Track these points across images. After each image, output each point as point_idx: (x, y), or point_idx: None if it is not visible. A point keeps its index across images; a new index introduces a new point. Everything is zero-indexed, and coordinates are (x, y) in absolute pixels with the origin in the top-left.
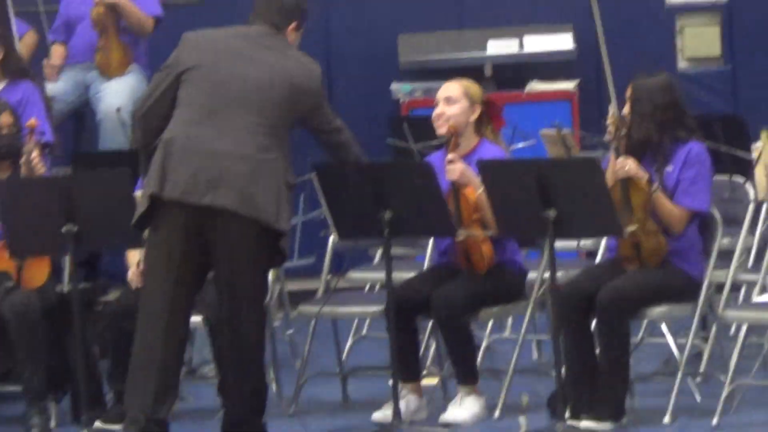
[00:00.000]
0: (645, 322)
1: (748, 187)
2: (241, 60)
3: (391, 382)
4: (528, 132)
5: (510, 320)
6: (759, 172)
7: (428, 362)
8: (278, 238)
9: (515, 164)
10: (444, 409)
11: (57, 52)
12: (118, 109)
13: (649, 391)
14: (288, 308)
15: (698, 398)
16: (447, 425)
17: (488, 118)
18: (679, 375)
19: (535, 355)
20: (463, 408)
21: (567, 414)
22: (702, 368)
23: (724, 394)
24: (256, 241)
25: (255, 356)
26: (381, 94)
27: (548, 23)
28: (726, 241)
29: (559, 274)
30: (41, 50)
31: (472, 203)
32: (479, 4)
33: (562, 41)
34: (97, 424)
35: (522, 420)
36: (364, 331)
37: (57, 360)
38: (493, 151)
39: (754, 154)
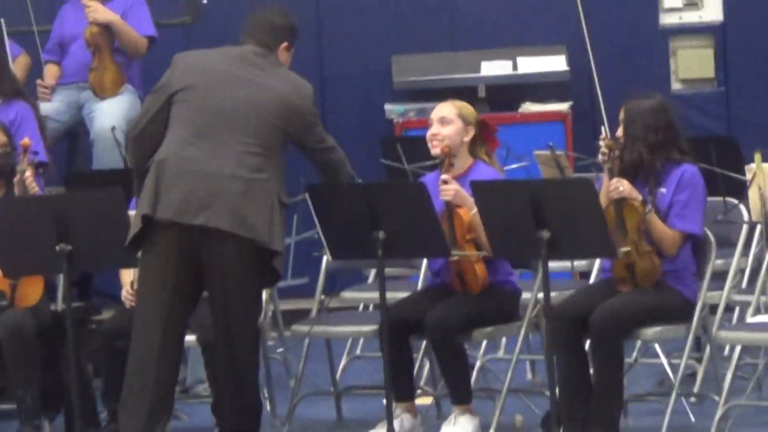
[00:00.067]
0: (639, 342)
1: (742, 208)
2: (233, 80)
3: (385, 401)
4: (521, 153)
5: (504, 340)
6: (752, 193)
7: (422, 382)
8: (272, 257)
9: (509, 185)
10: (438, 428)
11: (50, 71)
12: (113, 128)
13: (643, 411)
14: (282, 328)
15: (692, 419)
16: None
17: (482, 139)
18: (673, 395)
19: (529, 375)
20: (457, 427)
21: None
22: (696, 389)
23: (718, 414)
24: (249, 260)
25: (249, 375)
26: (374, 115)
27: (542, 44)
28: (720, 262)
29: (553, 294)
30: (35, 70)
31: (465, 224)
32: (473, 26)
33: (555, 62)
34: None
35: None
36: (358, 351)
37: (51, 378)
38: (487, 172)
39: (748, 176)
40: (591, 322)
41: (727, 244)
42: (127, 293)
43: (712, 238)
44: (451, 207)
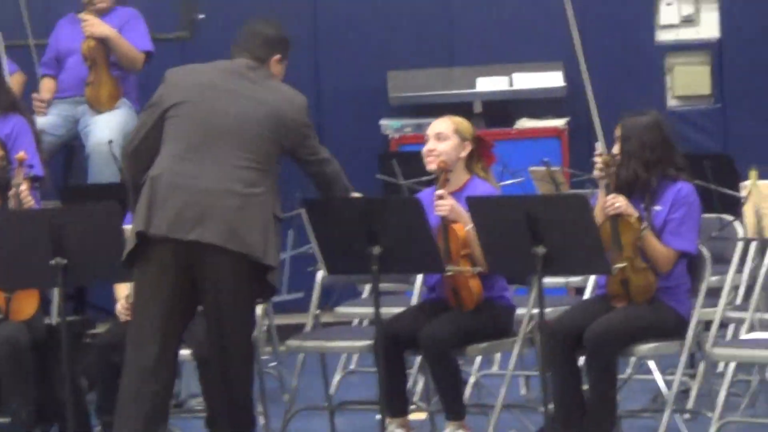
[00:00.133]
0: (633, 358)
1: (737, 225)
2: (225, 95)
3: (379, 416)
4: (517, 169)
5: (498, 356)
6: (748, 210)
7: (416, 397)
8: (266, 272)
9: (504, 201)
10: None
11: (47, 85)
12: (110, 142)
13: (637, 428)
14: (276, 342)
15: None
16: None
17: (479, 154)
18: (667, 412)
19: (523, 390)
20: None
21: None
22: (690, 405)
23: (712, 431)
24: (244, 275)
25: (243, 390)
26: (370, 130)
27: (538, 61)
28: (714, 278)
29: (548, 310)
30: (31, 84)
31: (461, 239)
32: (469, 41)
33: (551, 79)
34: None
35: None
36: (353, 366)
37: (45, 392)
38: (483, 188)
39: (743, 193)
40: (585, 338)
41: (721, 261)
42: (122, 307)
43: (707, 254)
44: (446, 222)
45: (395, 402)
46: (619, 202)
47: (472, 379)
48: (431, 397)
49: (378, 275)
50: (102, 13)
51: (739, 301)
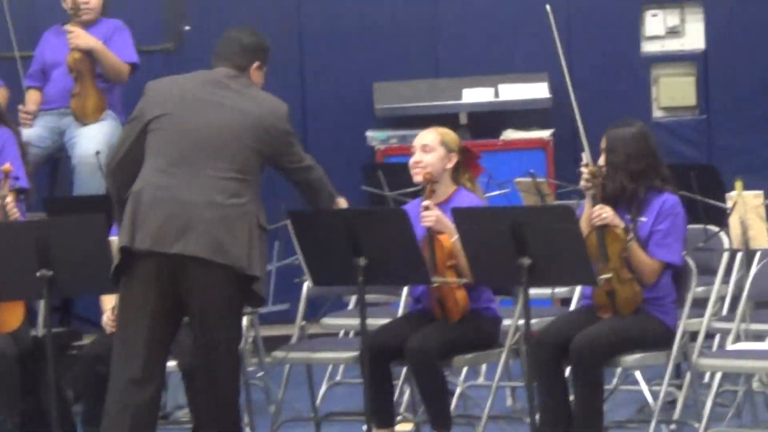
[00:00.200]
0: (619, 369)
1: (723, 236)
2: (206, 106)
3: (365, 427)
4: (503, 180)
5: (484, 367)
6: (733, 221)
7: (402, 408)
8: (252, 282)
9: (490, 212)
10: None
11: (32, 97)
12: (98, 153)
13: None
14: (262, 353)
15: None
16: None
17: (465, 165)
18: (653, 422)
19: (509, 401)
20: None
21: None
22: (676, 416)
23: None
24: (229, 287)
25: (229, 401)
26: (356, 142)
27: (524, 72)
28: (700, 289)
29: (534, 321)
30: (17, 96)
31: (446, 250)
32: (454, 53)
33: (537, 90)
34: None
35: None
36: (339, 377)
37: (31, 404)
38: (469, 199)
39: (729, 204)
40: (571, 348)
41: (707, 272)
42: (108, 318)
43: (692, 265)
44: (432, 233)
45: (381, 413)
46: (605, 213)
47: (458, 390)
48: (417, 408)
49: (364, 287)
50: (87, 25)
51: (725, 311)
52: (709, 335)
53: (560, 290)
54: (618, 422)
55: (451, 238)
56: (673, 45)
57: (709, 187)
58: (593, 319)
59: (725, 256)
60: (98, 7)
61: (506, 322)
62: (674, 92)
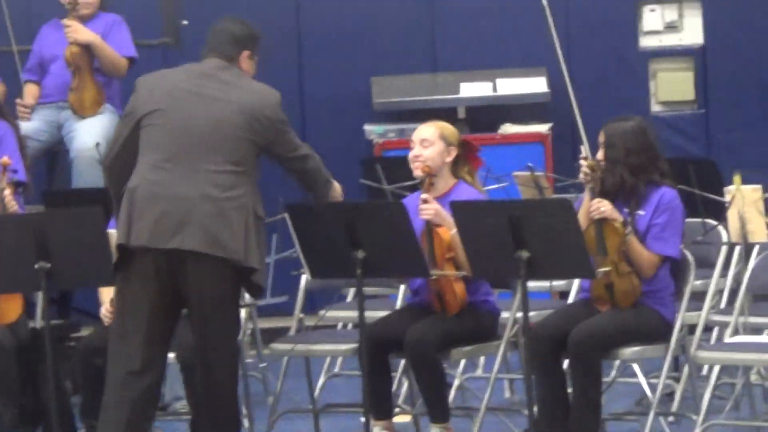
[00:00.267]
0: (617, 361)
1: (721, 229)
2: (197, 99)
3: (363, 419)
4: (501, 174)
5: (482, 359)
6: (732, 215)
7: (401, 400)
8: (250, 273)
9: (488, 206)
10: None
11: (30, 91)
12: (98, 144)
13: (621, 431)
14: (260, 346)
15: None
16: None
17: (465, 158)
18: (651, 414)
19: (507, 393)
20: None
21: None
22: (674, 408)
23: None
24: (226, 280)
25: (228, 393)
26: (354, 136)
27: (522, 66)
28: (698, 282)
29: (532, 314)
30: (15, 89)
31: (445, 243)
32: (452, 47)
33: (535, 84)
34: None
35: None
36: (337, 369)
37: (29, 396)
38: (468, 192)
39: (727, 198)
40: (569, 341)
41: (706, 265)
42: (106, 311)
43: (691, 258)
44: (431, 226)
45: (380, 405)
46: (603, 207)
47: (456, 382)
48: (416, 400)
49: (362, 279)
50: (85, 19)
51: (723, 304)
52: (708, 328)
53: (558, 283)
54: (616, 414)
55: (449, 230)
56: (671, 40)
57: (707, 181)
58: (591, 312)
59: (723, 249)
60: (96, 2)
61: (504, 314)
62: (672, 87)
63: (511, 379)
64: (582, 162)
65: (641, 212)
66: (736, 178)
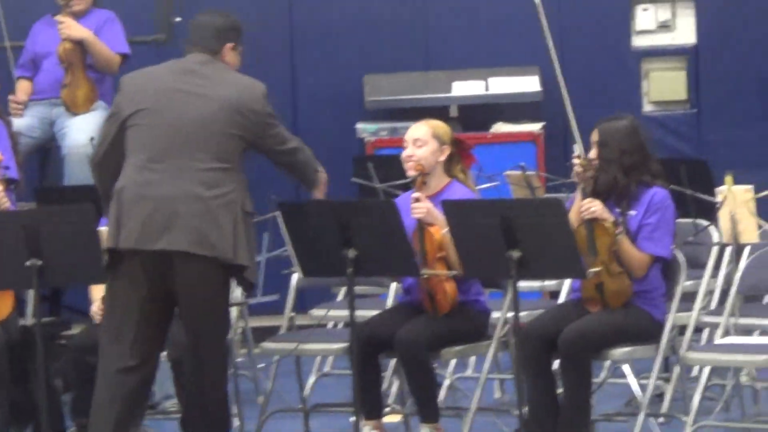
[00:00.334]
0: (608, 362)
1: (712, 230)
2: (181, 97)
3: (353, 418)
4: (492, 173)
5: (473, 359)
6: (723, 215)
7: (391, 399)
8: (240, 271)
9: (479, 205)
10: None
11: (22, 87)
12: (92, 139)
13: (611, 431)
14: (251, 344)
15: None
16: None
17: (458, 156)
18: (641, 415)
19: (497, 393)
20: None
21: None
22: (664, 409)
23: None
24: (215, 279)
25: (218, 392)
26: (346, 134)
27: (514, 65)
28: (689, 283)
29: (523, 314)
30: (7, 86)
31: (436, 242)
32: (445, 46)
33: (527, 83)
34: None
35: None
36: (327, 368)
37: (20, 393)
38: (461, 192)
39: (719, 198)
40: (560, 341)
41: (696, 266)
42: (97, 308)
43: (682, 259)
44: (422, 225)
45: (370, 404)
46: (594, 206)
47: (446, 382)
48: (406, 399)
49: (353, 278)
50: (78, 16)
51: (713, 305)
52: (698, 329)
53: (549, 283)
54: (606, 415)
55: (441, 229)
56: (664, 39)
57: (699, 181)
58: (582, 313)
59: (714, 250)
60: None
61: (495, 314)
62: (665, 86)
63: (502, 379)
64: (575, 160)
65: (632, 212)
66: (728, 179)
